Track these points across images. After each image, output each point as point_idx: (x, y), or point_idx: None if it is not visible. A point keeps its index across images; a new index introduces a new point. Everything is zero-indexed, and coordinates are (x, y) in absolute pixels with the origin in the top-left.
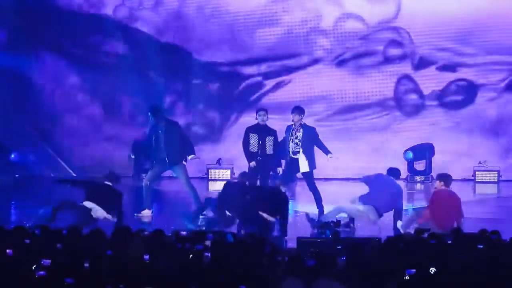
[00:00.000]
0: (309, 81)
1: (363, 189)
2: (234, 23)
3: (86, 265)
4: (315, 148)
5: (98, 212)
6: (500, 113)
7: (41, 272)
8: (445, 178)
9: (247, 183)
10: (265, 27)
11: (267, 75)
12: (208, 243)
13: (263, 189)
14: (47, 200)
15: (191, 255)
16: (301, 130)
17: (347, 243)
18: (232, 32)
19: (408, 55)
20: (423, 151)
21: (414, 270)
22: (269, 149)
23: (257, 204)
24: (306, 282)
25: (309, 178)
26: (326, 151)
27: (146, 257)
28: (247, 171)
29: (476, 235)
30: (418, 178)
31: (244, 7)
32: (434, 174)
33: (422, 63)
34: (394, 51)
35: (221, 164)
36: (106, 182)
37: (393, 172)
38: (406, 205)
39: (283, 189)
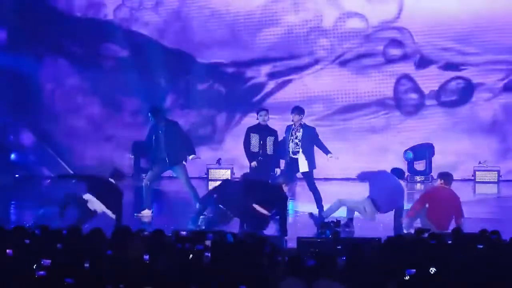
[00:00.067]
0: (309, 81)
1: (363, 189)
2: (234, 24)
3: (86, 265)
4: (315, 148)
5: (96, 205)
6: (501, 113)
7: (41, 272)
8: (446, 177)
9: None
10: (265, 28)
11: (267, 76)
12: (208, 243)
13: (263, 184)
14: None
15: (191, 255)
16: (301, 130)
17: (347, 243)
18: (232, 32)
19: (409, 55)
20: (423, 151)
21: (414, 270)
22: (270, 149)
23: (253, 197)
24: (306, 282)
25: (309, 178)
26: (326, 151)
27: (146, 257)
28: (248, 171)
29: (476, 235)
30: (418, 178)
31: (244, 8)
32: (434, 174)
33: (423, 63)
34: (395, 51)
35: (221, 164)
36: (110, 179)
37: (397, 172)
38: (406, 205)
39: (285, 188)
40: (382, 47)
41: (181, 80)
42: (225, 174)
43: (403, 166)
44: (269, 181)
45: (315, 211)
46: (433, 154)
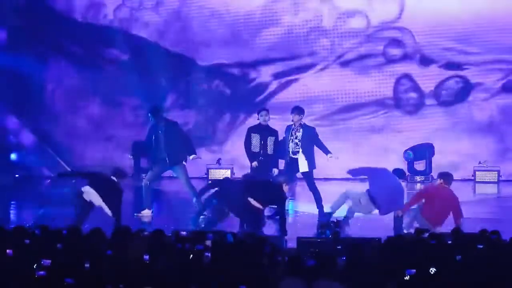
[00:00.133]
0: (309, 81)
1: (363, 188)
2: (234, 24)
3: (86, 265)
4: (315, 148)
5: (93, 196)
6: (501, 113)
7: (41, 272)
8: (446, 176)
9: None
10: (265, 28)
11: (267, 76)
12: (208, 243)
13: (262, 182)
14: (47, 200)
15: (191, 255)
16: (301, 130)
17: (347, 243)
18: (232, 32)
19: (409, 54)
20: (423, 151)
21: (414, 270)
22: (271, 149)
23: (252, 195)
24: (306, 282)
25: (309, 178)
26: (326, 151)
27: (146, 257)
28: (249, 171)
29: (476, 235)
30: (418, 178)
31: (244, 7)
32: (434, 174)
33: (423, 63)
34: (395, 51)
35: (221, 164)
36: (112, 177)
37: (398, 172)
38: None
39: (285, 187)
40: (383, 47)
41: (181, 80)
42: (225, 174)
43: (403, 166)
44: (270, 180)
45: (315, 211)
46: (433, 154)
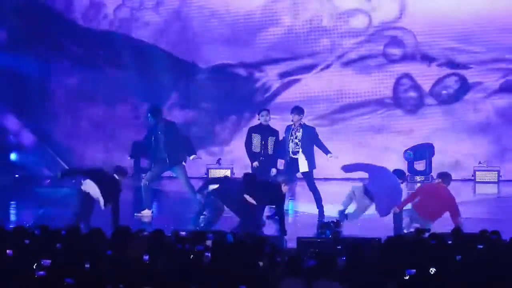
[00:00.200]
0: (309, 81)
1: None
2: (235, 24)
3: (86, 265)
4: (315, 148)
5: (91, 188)
6: (501, 113)
7: (41, 272)
8: (444, 176)
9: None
10: (265, 28)
11: (267, 76)
12: (208, 243)
13: (261, 182)
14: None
15: (191, 255)
16: (301, 130)
17: (347, 243)
18: (232, 33)
19: (409, 54)
20: (423, 151)
21: (414, 270)
22: (271, 150)
23: (251, 194)
24: (306, 282)
25: (308, 178)
26: (326, 151)
27: (146, 257)
28: (249, 171)
29: (476, 235)
30: (418, 178)
31: (244, 8)
32: (434, 174)
33: (423, 63)
34: (396, 51)
35: (221, 164)
36: (114, 175)
37: (398, 173)
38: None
39: (284, 187)
40: (383, 47)
41: (180, 80)
42: (225, 174)
43: (403, 166)
44: (269, 180)
45: (315, 211)
46: (433, 154)
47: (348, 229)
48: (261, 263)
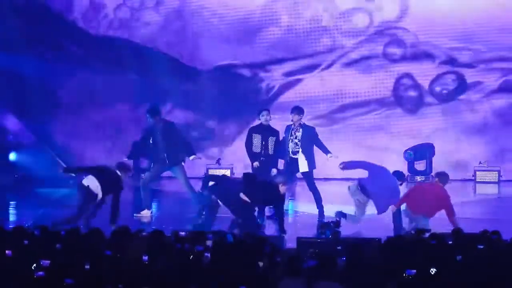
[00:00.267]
0: (309, 81)
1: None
2: (234, 24)
3: (86, 265)
4: (315, 148)
5: (92, 182)
6: (502, 113)
7: (40, 273)
8: (442, 176)
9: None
10: (265, 28)
11: (267, 76)
12: (208, 243)
13: (260, 182)
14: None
15: (191, 256)
16: (301, 130)
17: (347, 243)
18: (232, 33)
19: (409, 54)
20: (423, 151)
21: (414, 270)
22: (272, 150)
23: (249, 194)
24: (306, 283)
25: (308, 178)
26: (326, 151)
27: (145, 257)
28: (249, 171)
29: (476, 235)
30: (418, 178)
31: (244, 8)
32: (434, 174)
33: (424, 62)
34: (396, 50)
35: (221, 164)
36: (117, 171)
37: (398, 175)
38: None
39: (282, 187)
40: (383, 47)
41: (180, 80)
42: (225, 174)
43: (403, 166)
44: (267, 180)
45: (315, 211)
46: (433, 154)
47: (348, 229)
48: (261, 263)
